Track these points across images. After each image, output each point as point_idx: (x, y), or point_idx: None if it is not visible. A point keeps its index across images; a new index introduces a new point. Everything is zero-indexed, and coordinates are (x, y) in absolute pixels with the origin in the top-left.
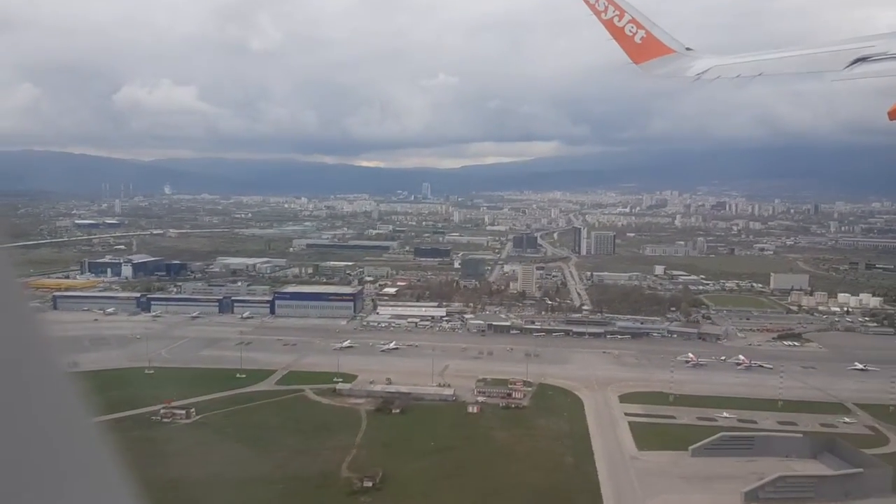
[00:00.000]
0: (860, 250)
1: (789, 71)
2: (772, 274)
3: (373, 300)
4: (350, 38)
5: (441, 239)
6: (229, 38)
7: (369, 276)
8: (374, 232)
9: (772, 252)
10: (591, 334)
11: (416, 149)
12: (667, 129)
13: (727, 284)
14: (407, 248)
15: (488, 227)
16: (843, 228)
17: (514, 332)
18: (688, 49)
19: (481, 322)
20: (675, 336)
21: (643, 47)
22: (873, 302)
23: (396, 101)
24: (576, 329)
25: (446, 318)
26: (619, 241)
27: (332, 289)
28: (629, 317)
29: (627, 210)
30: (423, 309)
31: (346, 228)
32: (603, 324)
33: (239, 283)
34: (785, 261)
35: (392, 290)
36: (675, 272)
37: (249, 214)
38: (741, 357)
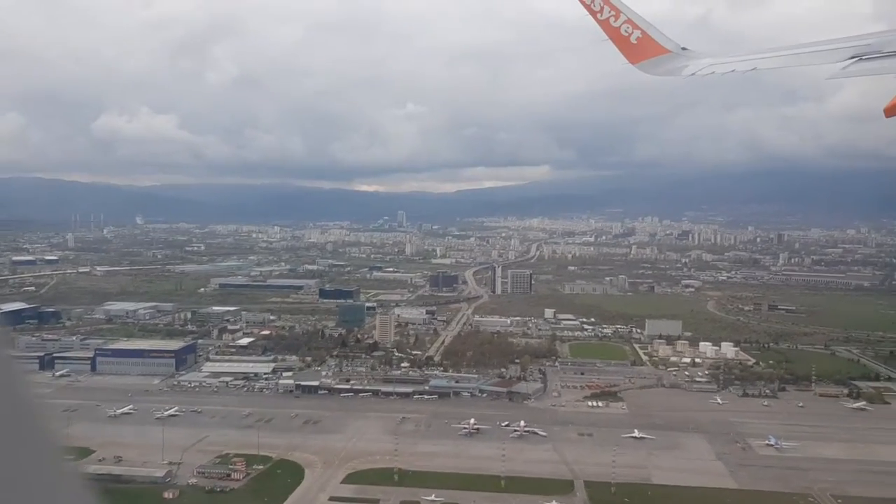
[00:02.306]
0: (790, 286)
1: (783, 66)
2: (647, 320)
3: (208, 355)
4: (340, 66)
5: (369, 276)
6: (220, 67)
7: (246, 321)
8: (310, 268)
9: (693, 289)
10: (398, 394)
11: (414, 173)
12: (660, 153)
13: (606, 330)
14: (328, 286)
15: (434, 261)
16: (792, 260)
17: (323, 392)
18: (683, 49)
19: (291, 382)
20: (485, 395)
21: (639, 47)
22: (731, 352)
23: (395, 127)
24: (384, 389)
25: (266, 376)
26: (556, 277)
27: (159, 344)
28: (446, 374)
29: (592, 239)
30: (251, 365)
31: (283, 264)
32: (419, 382)
33: (74, 337)
34: (699, 299)
35: (245, 342)
36: (563, 316)
37: (202, 247)
38: (522, 423)
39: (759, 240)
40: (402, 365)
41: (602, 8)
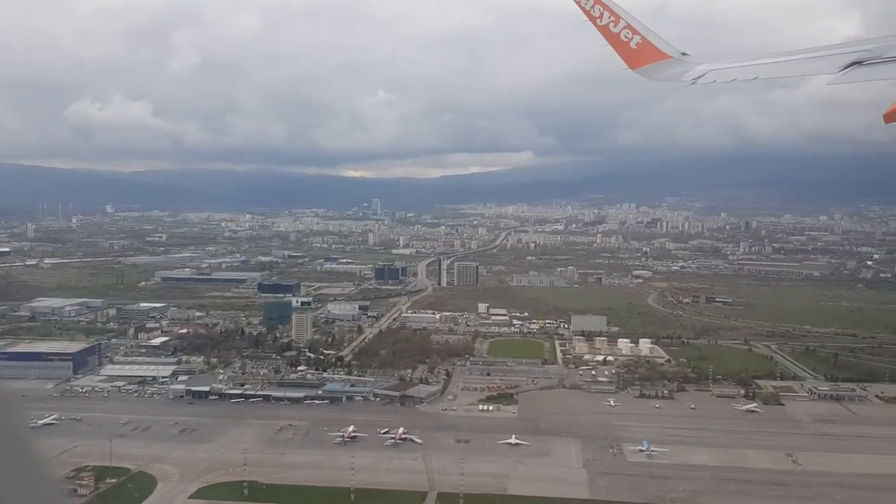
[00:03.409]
0: (741, 276)
1: (784, 75)
2: (572, 315)
3: (112, 357)
4: (322, 52)
5: (320, 268)
6: (200, 54)
7: (171, 318)
8: (264, 259)
9: (642, 280)
10: (289, 400)
11: (400, 159)
12: (643, 139)
13: (534, 325)
14: (275, 278)
15: (396, 251)
16: (753, 249)
17: (213, 397)
18: (683, 54)
19: (182, 387)
20: (378, 400)
21: (639, 53)
22: (646, 349)
23: (380, 113)
24: (276, 394)
25: (163, 380)
26: (511, 267)
27: (59, 346)
28: (344, 377)
29: (562, 227)
30: (152, 368)
31: (239, 255)
32: (314, 385)
33: None
34: (642, 291)
35: (158, 342)
36: (496, 310)
37: (164, 237)
38: (400, 430)
39: (728, 227)
40: (299, 369)
41: (602, 14)
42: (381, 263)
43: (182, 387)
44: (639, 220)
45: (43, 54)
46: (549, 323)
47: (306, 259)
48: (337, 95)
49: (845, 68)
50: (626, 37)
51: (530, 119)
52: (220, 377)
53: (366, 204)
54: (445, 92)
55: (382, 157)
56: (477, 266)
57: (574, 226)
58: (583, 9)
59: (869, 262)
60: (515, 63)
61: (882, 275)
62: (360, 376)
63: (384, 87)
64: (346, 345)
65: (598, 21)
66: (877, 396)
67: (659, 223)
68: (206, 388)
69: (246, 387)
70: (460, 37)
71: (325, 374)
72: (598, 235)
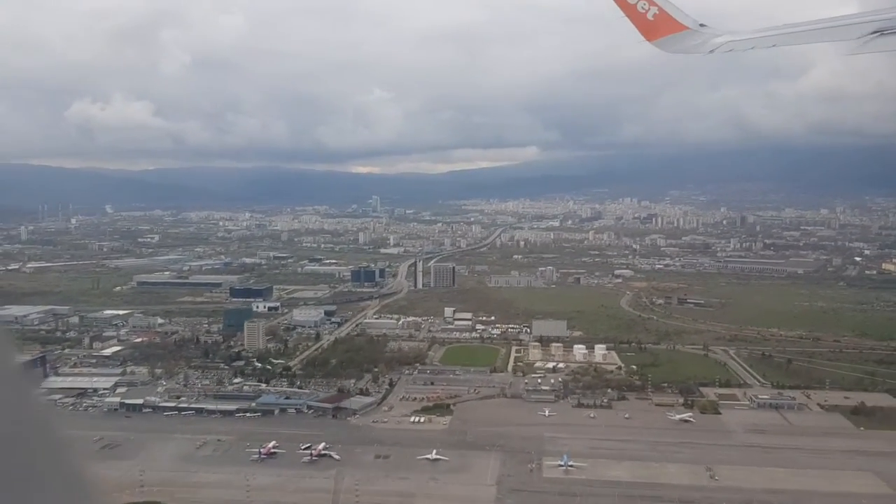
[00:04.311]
0: (724, 274)
1: (804, 42)
2: (533, 321)
3: (57, 369)
4: (326, 50)
5: (300, 270)
6: (208, 53)
7: (133, 326)
8: (248, 261)
9: (621, 280)
10: (221, 413)
11: (409, 154)
12: (650, 133)
13: (496, 330)
14: (253, 281)
15: (384, 250)
16: (743, 245)
17: (147, 410)
18: (701, 25)
19: (116, 400)
20: (311, 412)
21: (656, 24)
22: (600, 356)
23: (387, 110)
24: (209, 407)
25: (103, 392)
26: (495, 267)
27: None
28: (280, 389)
29: (557, 224)
30: (94, 379)
31: (224, 256)
32: (250, 398)
33: None
34: (618, 292)
35: (109, 351)
36: (461, 315)
37: (156, 238)
38: (321, 445)
39: (724, 222)
40: (235, 380)
41: None
42: (367, 263)
43: (116, 400)
44: (636, 215)
45: (36, 56)
46: (511, 328)
47: (292, 260)
48: (341, 92)
49: (867, 36)
50: (642, 8)
51: (534, 114)
52: (159, 389)
53: (370, 201)
54: (447, 87)
55: (391, 153)
56: (454, 267)
57: (570, 222)
58: None
59: (857, 259)
60: (514, 58)
61: (867, 272)
62: (301, 387)
63: (386, 83)
64: (298, 353)
65: None
66: (819, 405)
67: (655, 219)
68: (140, 401)
69: (181, 399)
70: (457, 32)
71: (262, 386)
72: (591, 232)
